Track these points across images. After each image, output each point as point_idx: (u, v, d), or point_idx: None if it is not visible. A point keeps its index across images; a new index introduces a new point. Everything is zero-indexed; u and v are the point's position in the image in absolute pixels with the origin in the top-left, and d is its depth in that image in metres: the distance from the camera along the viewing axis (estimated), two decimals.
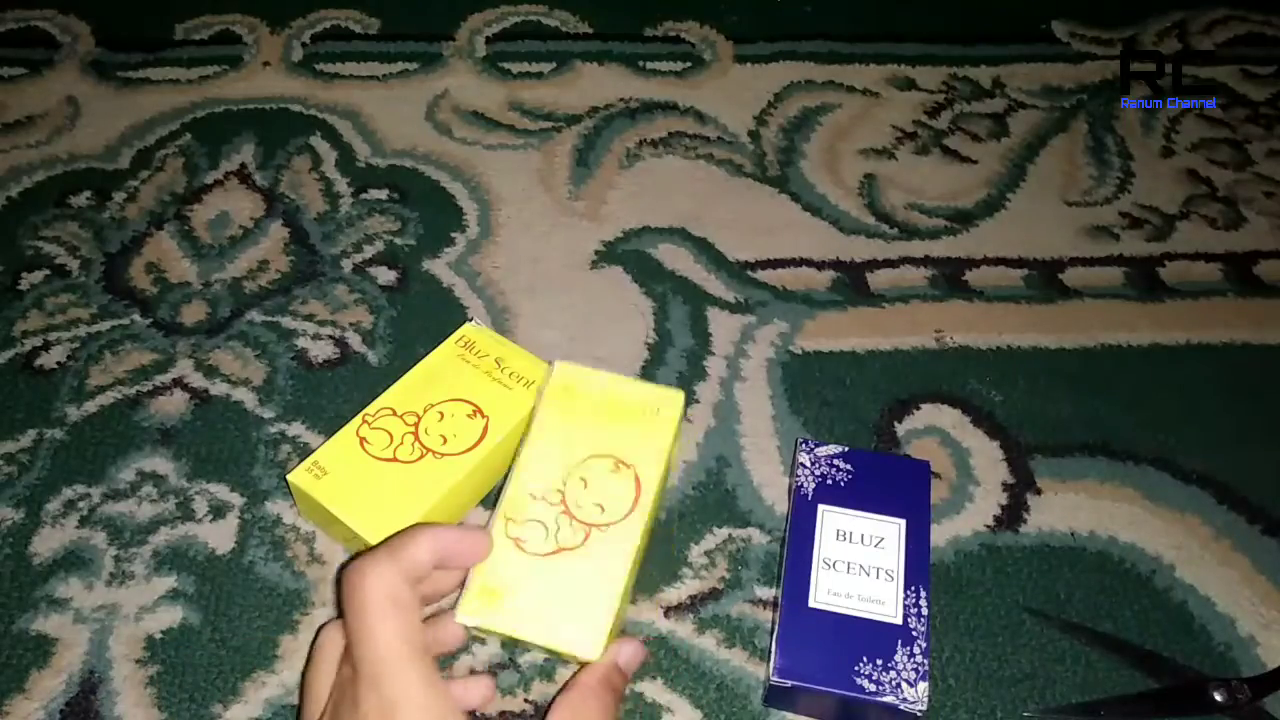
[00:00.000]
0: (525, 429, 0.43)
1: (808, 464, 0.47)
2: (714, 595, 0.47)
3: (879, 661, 0.40)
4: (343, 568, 0.35)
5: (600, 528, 0.39)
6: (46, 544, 0.48)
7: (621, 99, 0.73)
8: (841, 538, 0.44)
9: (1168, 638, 0.46)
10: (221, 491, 0.50)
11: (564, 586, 0.38)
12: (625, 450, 0.42)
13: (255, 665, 0.44)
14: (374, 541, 0.44)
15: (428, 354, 0.51)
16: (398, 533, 0.36)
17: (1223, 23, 0.82)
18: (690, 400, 0.54)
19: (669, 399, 0.43)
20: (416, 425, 0.48)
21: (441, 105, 0.72)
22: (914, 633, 0.41)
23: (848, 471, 0.47)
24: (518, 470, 0.41)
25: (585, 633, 0.37)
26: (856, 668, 0.40)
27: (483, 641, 0.45)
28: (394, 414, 0.48)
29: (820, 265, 0.62)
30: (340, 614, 0.35)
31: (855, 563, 0.43)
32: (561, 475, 0.41)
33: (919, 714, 0.39)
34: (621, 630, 0.42)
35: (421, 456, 0.46)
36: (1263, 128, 0.73)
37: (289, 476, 0.46)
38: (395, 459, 0.46)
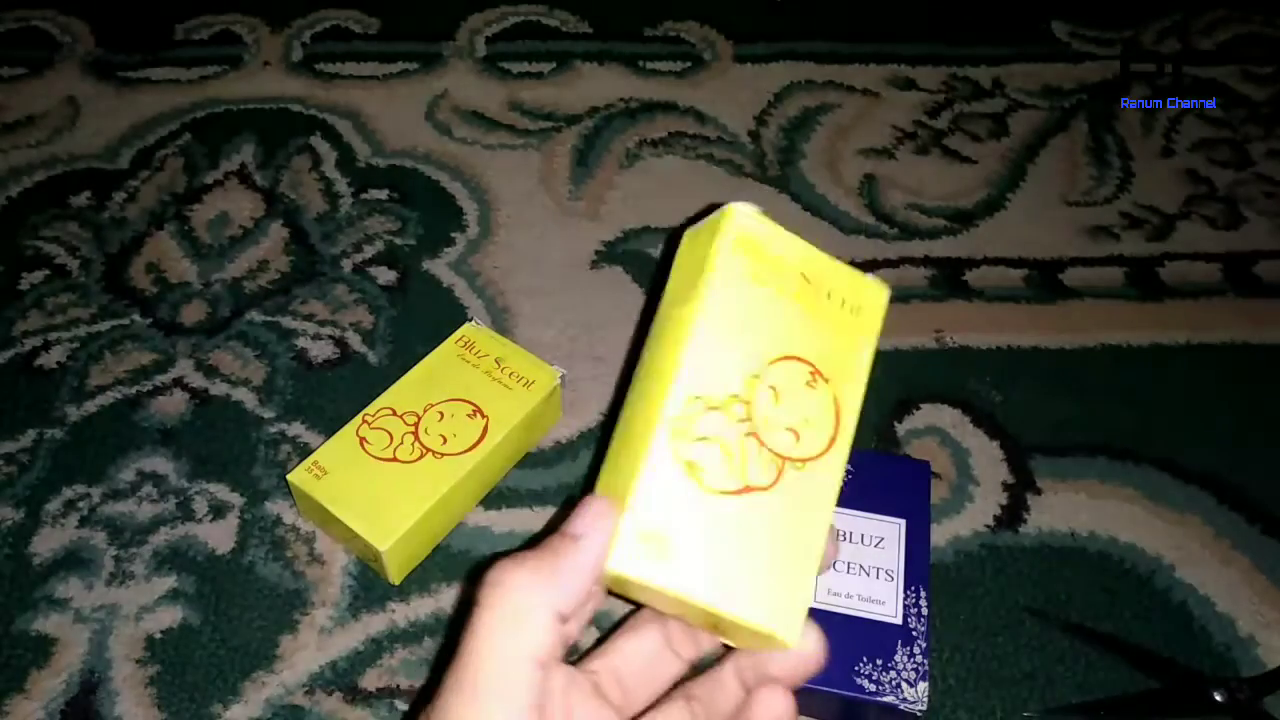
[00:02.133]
0: (687, 297, 0.29)
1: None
2: None
3: (879, 661, 0.40)
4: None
5: (796, 463, 0.28)
6: (46, 544, 0.48)
7: (621, 99, 0.73)
8: (841, 538, 0.44)
9: (1168, 638, 0.46)
10: (221, 491, 0.50)
11: (751, 542, 0.27)
12: (822, 356, 0.30)
13: (255, 665, 0.44)
14: (374, 541, 0.44)
15: (428, 354, 0.51)
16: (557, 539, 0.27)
17: (1223, 23, 0.82)
18: None
19: (871, 292, 0.32)
20: (416, 425, 0.48)
21: (441, 105, 0.72)
22: (914, 633, 0.41)
23: (848, 471, 0.47)
24: (681, 359, 0.27)
25: (782, 607, 0.27)
26: (856, 668, 0.40)
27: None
28: (394, 414, 0.48)
29: None
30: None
31: (855, 563, 0.43)
32: (743, 377, 0.28)
33: (919, 714, 0.39)
34: None
35: (421, 456, 0.46)
36: (1263, 128, 0.73)
37: (289, 476, 0.46)
38: (395, 459, 0.46)
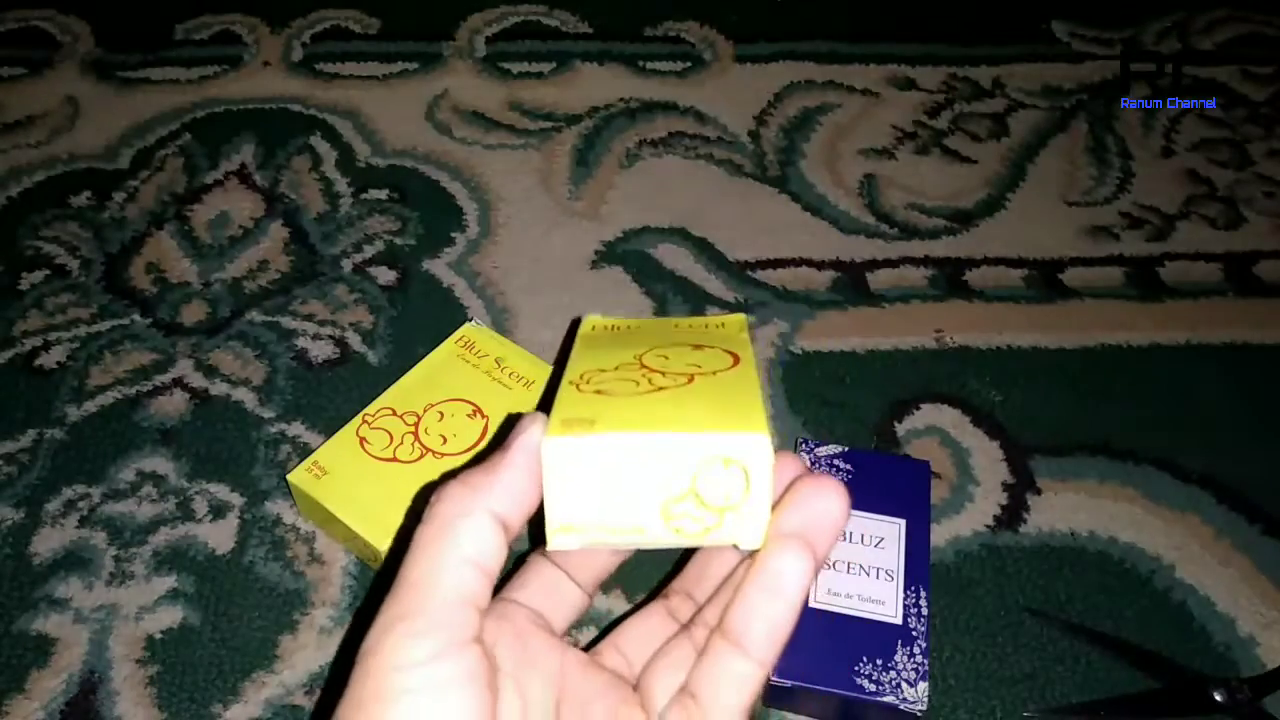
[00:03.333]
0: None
1: (807, 464, 0.47)
2: None
3: (879, 661, 0.40)
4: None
5: (707, 375, 0.27)
6: (46, 544, 0.48)
7: (621, 99, 0.73)
8: (841, 537, 0.44)
9: (1168, 638, 0.46)
10: (221, 491, 0.50)
11: (679, 403, 0.26)
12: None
13: (255, 665, 0.44)
14: (374, 541, 0.44)
15: (428, 354, 0.51)
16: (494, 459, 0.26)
17: (1223, 23, 0.82)
18: None
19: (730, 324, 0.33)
20: (416, 425, 0.48)
21: (441, 105, 0.72)
22: (914, 633, 0.41)
23: (848, 471, 0.47)
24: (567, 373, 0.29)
25: (737, 421, 0.25)
26: (856, 668, 0.40)
27: None
28: (394, 414, 0.48)
29: (820, 265, 0.62)
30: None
31: (855, 563, 0.43)
32: (629, 357, 0.29)
33: (919, 714, 0.39)
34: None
35: (421, 456, 0.46)
36: (1263, 128, 0.73)
37: (289, 476, 0.46)
38: (395, 459, 0.46)
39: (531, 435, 0.25)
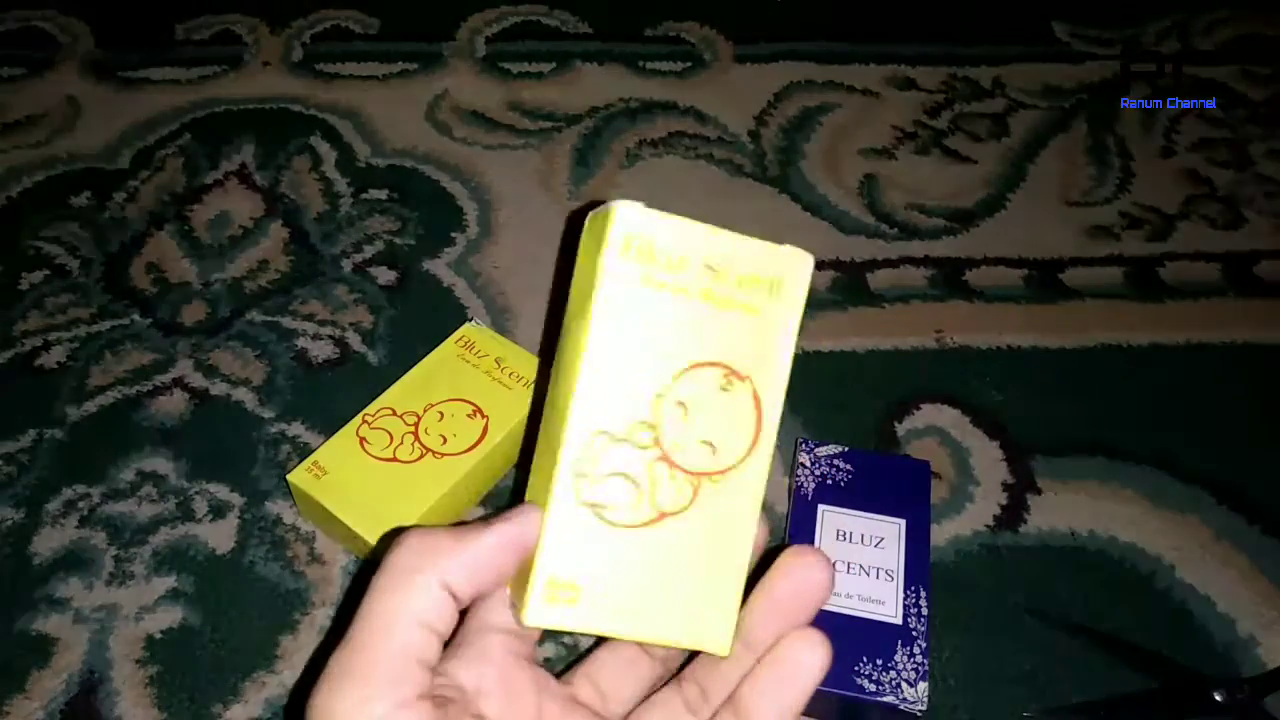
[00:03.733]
0: (582, 312, 0.27)
1: (807, 464, 0.47)
2: None
3: (879, 661, 0.40)
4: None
5: (713, 476, 0.27)
6: (46, 544, 0.48)
7: (621, 99, 0.73)
8: (841, 538, 0.44)
9: (1168, 638, 0.46)
10: (221, 491, 0.50)
11: (669, 566, 0.27)
12: (736, 353, 0.27)
13: (255, 665, 0.44)
14: (374, 542, 0.44)
15: (428, 354, 0.51)
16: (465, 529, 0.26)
17: (1223, 23, 0.82)
18: None
19: (789, 265, 0.28)
20: (416, 425, 0.48)
21: (441, 105, 0.72)
22: (914, 633, 0.41)
23: (848, 471, 0.47)
24: (576, 394, 0.26)
25: (706, 621, 0.27)
26: (856, 668, 0.40)
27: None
28: (394, 414, 0.48)
29: (820, 265, 0.62)
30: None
31: (855, 563, 0.43)
32: (648, 400, 0.26)
33: (919, 714, 0.39)
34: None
35: (421, 456, 0.46)
36: (1263, 128, 0.73)
37: (289, 476, 0.46)
38: (395, 459, 0.46)
39: (510, 532, 0.26)
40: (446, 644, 0.27)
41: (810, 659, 0.27)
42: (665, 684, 0.30)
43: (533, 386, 0.50)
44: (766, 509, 0.50)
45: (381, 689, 0.24)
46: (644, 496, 0.26)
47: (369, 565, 0.47)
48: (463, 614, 0.27)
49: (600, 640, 0.31)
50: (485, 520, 0.26)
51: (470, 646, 0.27)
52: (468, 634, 0.28)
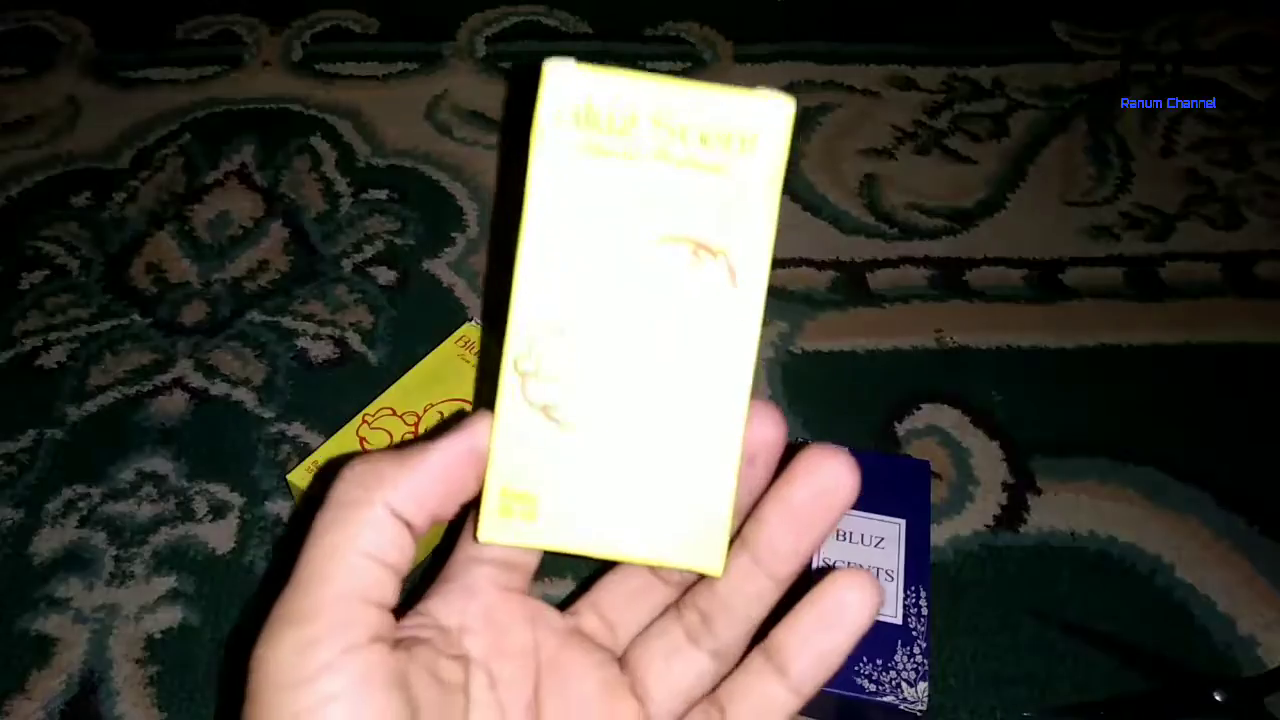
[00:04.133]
0: (522, 208, 0.24)
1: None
2: None
3: (879, 661, 0.40)
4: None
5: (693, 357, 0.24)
6: (46, 544, 0.48)
7: None
8: (841, 538, 0.44)
9: (1168, 638, 0.46)
10: (221, 491, 0.50)
11: (639, 470, 0.24)
12: (703, 223, 0.23)
13: None
14: None
15: (428, 354, 0.51)
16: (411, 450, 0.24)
17: (1223, 23, 0.82)
18: None
19: (763, 116, 0.23)
20: (416, 425, 0.48)
21: (441, 105, 0.72)
22: (914, 633, 0.41)
23: None
24: (516, 282, 0.24)
25: (693, 530, 0.24)
26: (856, 668, 0.40)
27: None
28: (394, 414, 0.48)
29: (820, 265, 0.62)
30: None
31: (855, 563, 0.43)
32: (601, 282, 0.24)
33: (919, 714, 0.39)
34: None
35: None
36: (1263, 128, 0.73)
37: (289, 476, 0.46)
38: None
39: (458, 444, 0.23)
40: (433, 580, 0.25)
41: (859, 603, 0.24)
42: (665, 610, 0.27)
43: None
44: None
45: (326, 633, 0.21)
46: (603, 393, 0.24)
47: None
48: (449, 548, 0.26)
49: (607, 565, 0.28)
50: (428, 444, 0.24)
51: (455, 581, 0.25)
52: (454, 568, 0.26)
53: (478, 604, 0.25)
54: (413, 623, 0.24)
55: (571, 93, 0.23)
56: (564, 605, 0.28)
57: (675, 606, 0.27)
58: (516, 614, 0.25)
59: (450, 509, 0.24)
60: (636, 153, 0.23)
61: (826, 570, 0.24)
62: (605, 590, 0.28)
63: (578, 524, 0.24)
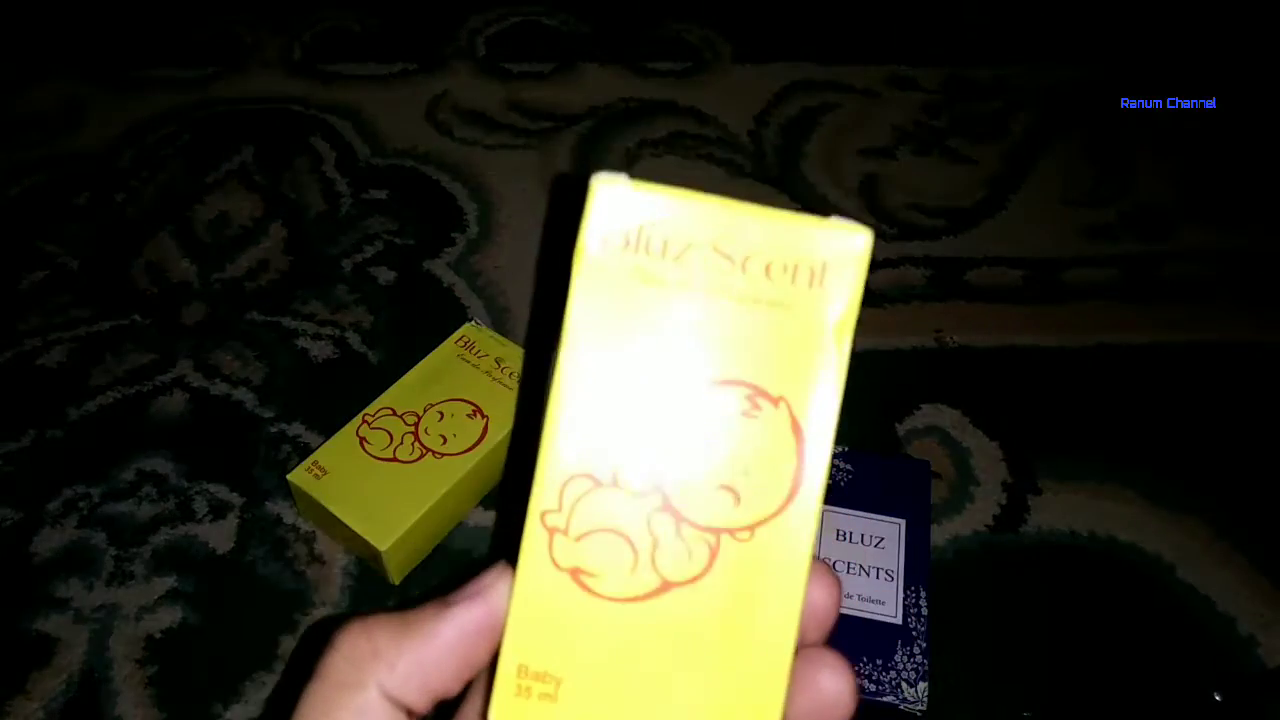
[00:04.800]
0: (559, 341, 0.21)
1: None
2: None
3: (879, 661, 0.40)
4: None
5: (737, 534, 0.20)
6: (46, 544, 0.48)
7: (621, 99, 0.73)
8: (841, 538, 0.44)
9: (1168, 638, 0.46)
10: (221, 491, 0.50)
11: (679, 653, 0.20)
12: (764, 367, 0.21)
13: (255, 665, 0.44)
14: (374, 541, 0.44)
15: (428, 354, 0.51)
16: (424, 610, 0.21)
17: (1222, 22, 0.82)
18: None
19: (839, 242, 0.21)
20: (416, 425, 0.48)
21: (441, 105, 0.72)
22: (914, 633, 0.41)
23: (848, 471, 0.47)
24: (549, 424, 0.21)
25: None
26: (856, 667, 0.40)
27: None
28: (394, 414, 0.48)
29: None
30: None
31: (855, 563, 0.43)
32: (646, 432, 0.21)
33: (919, 714, 0.39)
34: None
35: (421, 456, 0.46)
36: (1261, 128, 0.73)
37: (289, 476, 0.46)
38: (395, 459, 0.46)
39: (473, 612, 0.20)
40: None
41: (833, 684, 0.21)
42: None
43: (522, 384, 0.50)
44: None
45: None
46: (642, 559, 0.20)
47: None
48: (453, 708, 0.23)
49: None
50: (446, 599, 0.20)
51: None
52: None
53: None
54: None
55: (622, 214, 0.20)
56: None
57: None
58: None
59: (459, 687, 0.21)
60: (691, 283, 0.20)
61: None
62: None
63: (605, 712, 0.20)
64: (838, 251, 0.21)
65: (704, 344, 0.20)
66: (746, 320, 0.20)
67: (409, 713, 0.20)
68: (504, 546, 0.47)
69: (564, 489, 0.20)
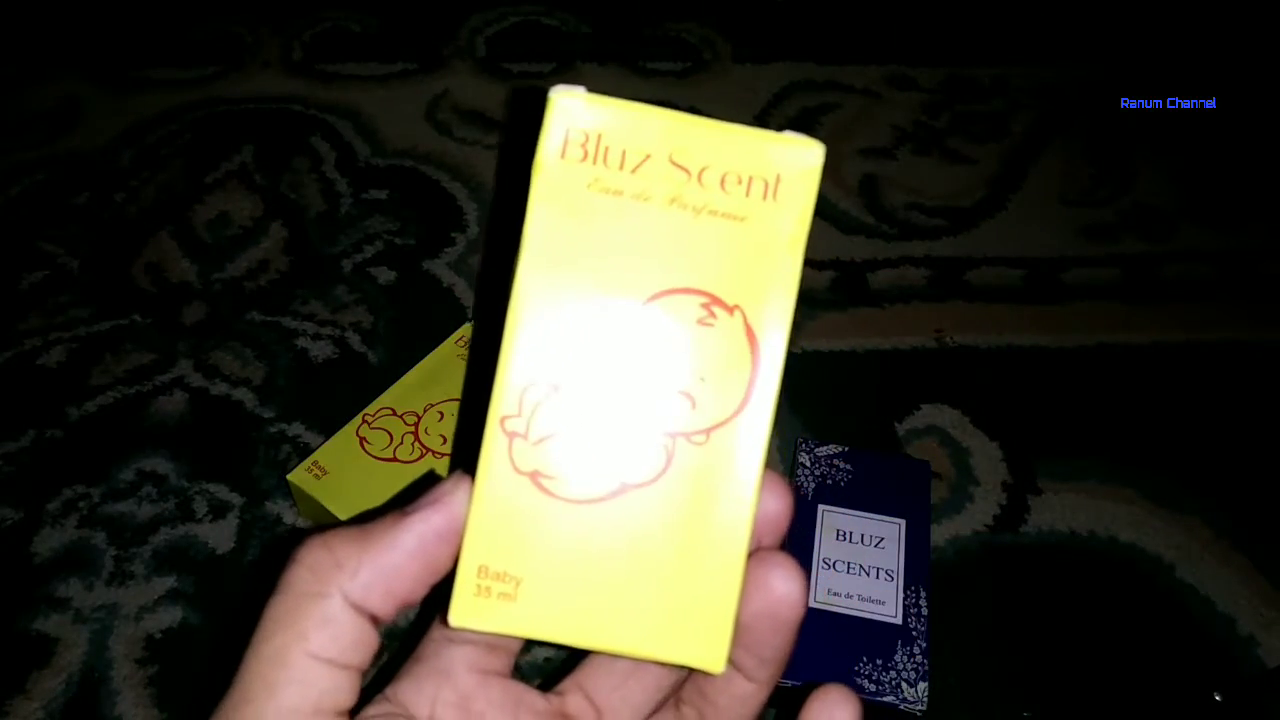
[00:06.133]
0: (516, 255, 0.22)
1: (808, 464, 0.47)
2: None
3: (879, 661, 0.40)
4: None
5: (692, 436, 0.21)
6: (46, 544, 0.48)
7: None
8: (841, 538, 0.44)
9: (1168, 638, 0.46)
10: (221, 491, 0.50)
11: (638, 554, 0.21)
12: (718, 274, 0.21)
13: None
14: None
15: (428, 354, 0.51)
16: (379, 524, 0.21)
17: (1222, 22, 0.82)
18: None
19: (792, 155, 0.21)
20: (416, 425, 0.48)
21: (441, 105, 0.72)
22: (914, 633, 0.41)
23: (848, 471, 0.47)
24: (508, 331, 0.21)
25: (691, 624, 0.21)
26: (856, 667, 0.40)
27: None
28: (394, 414, 0.48)
29: (820, 265, 0.62)
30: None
31: (855, 563, 0.43)
32: (603, 337, 0.21)
33: (919, 714, 0.39)
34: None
35: (421, 456, 0.46)
36: (1262, 128, 0.73)
37: (289, 476, 0.46)
38: (395, 459, 0.46)
39: (433, 519, 0.20)
40: (405, 658, 0.22)
41: (783, 585, 0.21)
42: (664, 703, 0.24)
43: None
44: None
45: None
46: (600, 462, 0.21)
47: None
48: (425, 623, 0.23)
49: None
50: (404, 509, 0.21)
51: (427, 663, 0.22)
52: (428, 647, 0.23)
53: (452, 690, 0.22)
54: (378, 711, 0.21)
55: (580, 125, 0.21)
56: (550, 663, 0.25)
57: (674, 703, 0.24)
58: (495, 701, 0.22)
59: (423, 592, 0.21)
60: (648, 194, 0.21)
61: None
62: (594, 669, 0.24)
63: (564, 610, 0.20)
64: (791, 165, 0.21)
65: (660, 254, 0.21)
66: (702, 231, 0.21)
67: (374, 619, 0.20)
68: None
69: (523, 395, 0.21)
